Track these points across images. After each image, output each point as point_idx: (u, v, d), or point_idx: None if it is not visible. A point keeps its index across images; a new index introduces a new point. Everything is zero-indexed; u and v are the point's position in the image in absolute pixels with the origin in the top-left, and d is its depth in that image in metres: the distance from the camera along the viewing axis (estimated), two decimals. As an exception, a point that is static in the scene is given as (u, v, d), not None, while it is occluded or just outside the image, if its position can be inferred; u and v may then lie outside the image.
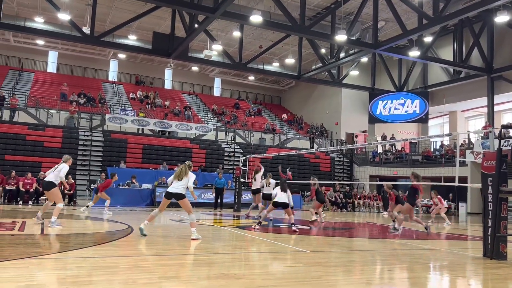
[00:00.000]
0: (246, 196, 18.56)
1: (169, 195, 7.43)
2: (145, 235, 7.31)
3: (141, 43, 25.89)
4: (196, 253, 6.22)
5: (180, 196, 7.36)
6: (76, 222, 10.13)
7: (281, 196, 9.83)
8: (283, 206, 9.83)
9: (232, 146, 26.75)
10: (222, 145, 26.66)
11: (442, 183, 9.95)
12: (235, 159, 25.46)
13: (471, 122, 33.14)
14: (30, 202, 15.40)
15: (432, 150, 28.91)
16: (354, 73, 30.63)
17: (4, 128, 20.98)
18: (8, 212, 11.81)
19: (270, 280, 4.38)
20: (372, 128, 31.46)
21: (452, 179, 10.06)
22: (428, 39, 25.54)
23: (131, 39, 25.88)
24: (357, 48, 24.72)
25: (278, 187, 10.25)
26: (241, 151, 26.28)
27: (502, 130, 7.95)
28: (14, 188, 15.49)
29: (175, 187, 7.39)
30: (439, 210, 15.30)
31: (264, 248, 6.94)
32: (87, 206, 12.99)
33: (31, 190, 15.66)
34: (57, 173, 8.60)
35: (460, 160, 24.02)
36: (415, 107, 30.34)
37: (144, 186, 17.80)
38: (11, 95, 24.57)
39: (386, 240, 9.00)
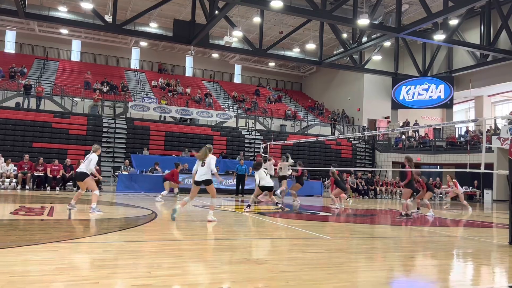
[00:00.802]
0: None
1: (198, 183, 7.90)
2: (174, 218, 7.55)
3: (162, 30, 25.99)
4: (218, 238, 6.32)
5: (208, 182, 7.85)
6: (102, 208, 10.37)
7: (268, 180, 10.26)
8: (269, 189, 10.40)
9: (253, 133, 26.80)
10: (243, 132, 26.73)
11: (468, 170, 9.76)
12: (255, 146, 25.52)
13: (498, 107, 32.25)
14: (57, 188, 15.86)
15: (456, 136, 28.33)
16: (377, 58, 30.05)
17: (31, 116, 21.54)
18: (37, 197, 12.19)
19: (292, 265, 4.42)
20: (395, 114, 30.95)
21: (477, 166, 9.91)
22: (453, 22, 24.82)
23: (152, 27, 26.00)
24: (380, 33, 24.22)
25: (260, 171, 10.43)
26: (262, 138, 26.30)
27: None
28: (42, 174, 15.95)
29: (202, 174, 7.82)
30: (455, 194, 15.26)
31: (286, 234, 6.99)
32: (162, 196, 13.22)
33: (58, 176, 16.10)
34: (88, 163, 8.81)
35: (486, 146, 23.49)
36: (440, 92, 29.67)
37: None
38: (37, 83, 25.15)
39: (408, 227, 8.93)
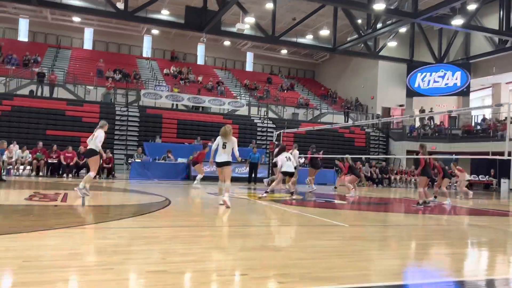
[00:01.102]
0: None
1: (220, 164, 7.95)
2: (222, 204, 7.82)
3: (174, 17, 25.77)
4: (234, 225, 6.22)
5: (228, 163, 7.97)
6: (116, 195, 10.38)
7: (289, 165, 10.36)
8: (290, 175, 10.47)
9: (265, 122, 26.61)
10: (255, 120, 26.56)
11: (489, 156, 9.50)
12: (268, 134, 25.36)
13: (517, 95, 31.48)
14: (70, 175, 15.94)
15: (473, 124, 27.78)
16: (392, 44, 29.49)
17: (45, 104, 21.65)
18: (51, 184, 12.25)
19: (309, 253, 4.29)
20: (410, 102, 30.40)
21: (494, 155, 9.67)
22: (472, 6, 24.14)
23: (164, 14, 25.81)
24: (396, 18, 23.69)
25: (283, 156, 10.50)
26: (274, 126, 26.11)
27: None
28: (56, 161, 16.04)
29: (223, 155, 7.89)
30: (462, 182, 14.88)
31: (301, 221, 6.86)
32: (196, 180, 13.25)
33: (72, 163, 16.17)
34: (95, 140, 8.65)
35: (502, 134, 22.97)
36: (456, 79, 29.03)
37: (180, 160, 18.03)
38: (50, 71, 25.24)
39: (424, 215, 8.73)
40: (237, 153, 8.08)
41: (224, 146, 7.91)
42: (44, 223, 5.33)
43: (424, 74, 30.04)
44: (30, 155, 15.98)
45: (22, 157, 15.85)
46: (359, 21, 27.52)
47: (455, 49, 29.90)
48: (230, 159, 8.00)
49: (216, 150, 8.01)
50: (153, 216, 6.51)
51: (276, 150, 11.32)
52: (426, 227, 7.13)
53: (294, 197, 10.59)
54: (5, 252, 3.69)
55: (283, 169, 10.38)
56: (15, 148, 15.82)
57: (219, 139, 8.05)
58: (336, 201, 10.96)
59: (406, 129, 28.48)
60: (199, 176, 13.82)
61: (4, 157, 14.36)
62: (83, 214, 6.54)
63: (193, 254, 3.98)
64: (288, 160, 10.50)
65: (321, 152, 14.77)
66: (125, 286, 2.93)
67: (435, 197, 12.18)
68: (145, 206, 7.89)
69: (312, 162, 14.28)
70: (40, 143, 16.43)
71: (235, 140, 8.01)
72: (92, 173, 8.61)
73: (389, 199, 13.44)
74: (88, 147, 8.85)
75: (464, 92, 28.95)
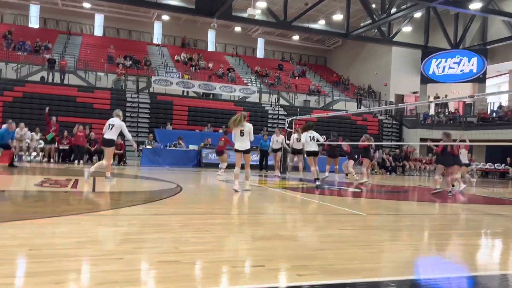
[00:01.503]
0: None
1: (239, 151, 8.23)
2: (236, 191, 7.96)
3: (184, 3, 25.41)
4: (247, 213, 6.03)
5: (248, 151, 8.26)
6: (127, 181, 10.26)
7: (312, 145, 10.38)
8: (314, 154, 10.39)
9: (276, 109, 26.30)
10: (266, 108, 26.27)
11: (506, 143, 9.15)
12: (279, 122, 25.08)
13: (535, 82, 30.67)
14: (81, 161, 15.87)
15: (489, 112, 27.16)
16: (407, 29, 28.81)
17: (55, 90, 21.61)
18: (62, 170, 12.19)
19: (329, 243, 4.08)
20: (424, 89, 29.85)
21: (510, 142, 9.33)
22: (491, -10, 23.42)
23: (174, -1, 25.47)
24: (411, 2, 23.07)
25: (307, 135, 10.49)
26: (285, 113, 25.81)
27: None
28: (67, 148, 16.00)
29: (242, 143, 8.18)
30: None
31: (317, 210, 6.65)
32: (221, 170, 13.27)
33: (83, 145, 15.95)
34: (115, 131, 8.99)
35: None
36: (472, 65, 28.36)
37: (191, 147, 17.89)
38: (61, 58, 25.16)
39: (441, 204, 8.46)
40: (252, 138, 8.33)
41: (241, 133, 8.16)
42: (54, 210, 5.19)
43: (439, 60, 29.39)
44: (42, 142, 15.93)
45: (37, 140, 15.62)
46: (373, 5, 26.90)
47: (471, 34, 29.15)
48: (249, 147, 8.25)
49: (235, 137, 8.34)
50: (164, 203, 6.35)
51: (304, 126, 11.26)
52: (445, 216, 6.87)
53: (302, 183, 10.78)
54: (12, 240, 3.54)
55: (307, 149, 10.47)
56: (27, 135, 15.61)
57: (234, 129, 8.36)
58: (350, 189, 10.71)
59: (420, 117, 27.97)
60: (224, 165, 13.57)
61: (16, 137, 14.40)
62: (94, 200, 6.40)
63: (206, 243, 3.79)
64: (311, 140, 10.43)
65: (340, 139, 14.27)
66: (135, 278, 2.75)
67: (453, 185, 11.84)
68: (156, 193, 7.75)
69: (330, 150, 13.88)
70: (54, 118, 16.25)
71: (250, 126, 8.25)
72: (105, 162, 8.95)
73: (404, 187, 13.15)
74: (106, 137, 9.04)
75: (480, 79, 28.29)
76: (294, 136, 12.93)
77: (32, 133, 15.78)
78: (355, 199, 8.64)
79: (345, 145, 14.24)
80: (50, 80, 23.06)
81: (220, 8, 23.24)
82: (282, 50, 39.32)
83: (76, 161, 15.72)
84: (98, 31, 34.26)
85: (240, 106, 25.13)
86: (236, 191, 7.96)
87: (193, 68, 29.88)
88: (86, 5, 31.90)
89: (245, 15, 25.66)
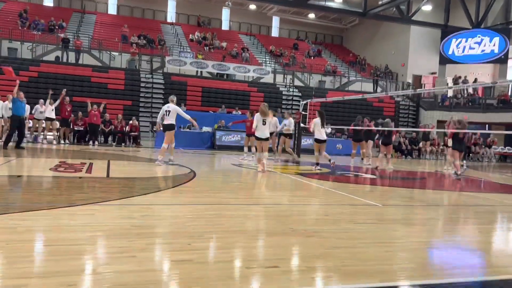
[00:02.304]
0: (306, 141, 18.23)
1: (260, 139, 9.53)
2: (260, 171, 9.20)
3: (199, -20, 25.03)
4: (261, 203, 5.97)
5: (267, 139, 9.64)
6: (140, 165, 10.29)
7: (322, 133, 10.79)
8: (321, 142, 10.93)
9: (291, 90, 26.00)
10: (280, 88, 26.00)
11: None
12: (293, 103, 24.85)
13: (559, 63, 29.63)
14: (96, 143, 15.97)
15: (510, 93, 26.44)
16: (427, 8, 27.93)
17: (70, 70, 21.67)
18: (78, 152, 12.28)
19: (344, 239, 3.99)
20: (443, 70, 29.11)
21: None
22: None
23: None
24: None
25: (317, 121, 10.76)
26: (300, 94, 25.54)
27: None
28: (82, 129, 16.10)
29: (265, 132, 9.47)
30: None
31: (331, 200, 6.55)
32: (251, 155, 12.72)
33: (97, 124, 15.95)
34: (173, 115, 9.73)
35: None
36: (493, 45, 27.46)
37: (205, 129, 17.85)
38: (76, 37, 25.12)
39: (462, 193, 8.28)
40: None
41: (264, 122, 9.34)
42: (67, 198, 5.20)
43: (459, 40, 28.53)
44: (58, 122, 15.93)
45: (52, 110, 15.42)
46: (392, -17, 26.07)
47: (494, 13, 28.15)
48: (269, 135, 9.64)
49: (257, 126, 9.39)
50: (178, 191, 6.31)
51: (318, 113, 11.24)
52: (469, 208, 6.71)
53: (318, 168, 10.81)
54: (24, 234, 3.54)
55: (315, 137, 10.93)
56: (42, 108, 15.44)
57: (258, 116, 9.39)
58: (364, 175, 10.57)
59: (438, 98, 27.39)
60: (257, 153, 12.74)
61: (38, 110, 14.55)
62: (107, 187, 6.40)
63: (219, 239, 3.75)
64: (322, 128, 10.81)
65: (371, 123, 13.73)
66: (147, 280, 2.71)
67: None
68: (170, 179, 7.73)
69: (354, 134, 13.63)
70: (67, 98, 16.08)
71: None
72: (165, 145, 9.79)
73: (421, 173, 12.94)
74: (166, 123, 9.77)
75: (501, 60, 27.45)
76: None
77: (48, 104, 15.54)
78: (369, 187, 8.51)
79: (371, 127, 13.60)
80: (64, 59, 23.09)
81: (234, -14, 22.78)
82: (297, 29, 38.64)
83: (91, 142, 15.82)
84: (112, 10, 34.06)
85: (254, 87, 24.93)
86: (262, 171, 9.20)
87: (207, 47, 29.60)
88: (100, -17, 31.66)
89: (260, -8, 25.16)
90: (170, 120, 9.72)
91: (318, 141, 10.92)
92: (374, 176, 10.39)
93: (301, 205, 5.99)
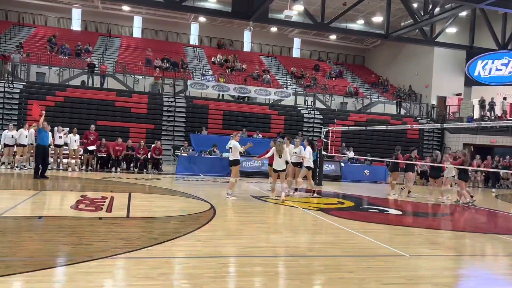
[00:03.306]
0: (327, 167, 17.98)
1: (277, 171, 10.54)
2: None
3: (221, 5, 25.36)
4: (286, 254, 5.76)
5: (284, 170, 10.61)
6: (160, 198, 10.22)
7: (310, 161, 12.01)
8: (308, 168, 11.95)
9: (312, 112, 25.83)
10: (302, 111, 25.86)
11: None
12: (314, 126, 24.66)
13: None
14: (119, 169, 16.09)
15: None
16: (451, 30, 27.52)
17: (95, 94, 22.09)
18: (99, 183, 12.34)
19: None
20: (468, 91, 28.52)
21: None
22: (544, -12, 21.90)
23: (211, 2, 25.43)
24: (455, 3, 21.96)
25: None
26: (321, 117, 25.35)
27: None
28: (105, 155, 16.25)
29: (280, 164, 10.45)
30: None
31: (355, 248, 6.25)
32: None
33: (120, 157, 16.25)
34: (235, 151, 10.31)
35: None
36: (521, 67, 26.80)
37: (225, 155, 17.77)
38: (101, 61, 25.70)
39: (501, 235, 7.88)
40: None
41: (280, 156, 10.38)
42: (85, 250, 5.13)
43: (485, 61, 27.98)
44: (79, 140, 15.98)
45: (75, 141, 15.67)
46: (415, 5, 25.85)
47: (521, 34, 27.52)
48: (285, 167, 10.56)
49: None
50: (196, 238, 6.14)
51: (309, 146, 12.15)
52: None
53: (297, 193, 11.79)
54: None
55: (306, 164, 11.79)
56: (64, 136, 15.63)
57: (274, 151, 10.46)
58: (389, 211, 10.23)
59: (464, 120, 26.71)
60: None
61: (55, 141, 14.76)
62: (127, 233, 6.29)
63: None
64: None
65: (414, 153, 13.45)
66: None
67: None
68: (189, 220, 7.59)
69: (393, 165, 13.47)
70: (93, 126, 16.42)
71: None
72: (232, 179, 10.38)
73: (449, 206, 12.44)
74: (231, 158, 10.46)
75: (530, 81, 26.70)
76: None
77: (70, 135, 15.78)
78: (394, 229, 8.20)
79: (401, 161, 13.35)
80: (89, 83, 23.60)
81: (256, 11, 23.01)
82: (318, 50, 38.66)
83: (113, 169, 15.95)
84: (137, 33, 34.83)
85: (275, 110, 24.88)
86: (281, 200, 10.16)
87: (229, 70, 29.82)
88: (125, 7, 32.48)
89: (281, 16, 25.25)
90: (234, 156, 10.38)
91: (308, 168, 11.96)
92: (399, 211, 10.02)
93: (323, 257, 5.70)
